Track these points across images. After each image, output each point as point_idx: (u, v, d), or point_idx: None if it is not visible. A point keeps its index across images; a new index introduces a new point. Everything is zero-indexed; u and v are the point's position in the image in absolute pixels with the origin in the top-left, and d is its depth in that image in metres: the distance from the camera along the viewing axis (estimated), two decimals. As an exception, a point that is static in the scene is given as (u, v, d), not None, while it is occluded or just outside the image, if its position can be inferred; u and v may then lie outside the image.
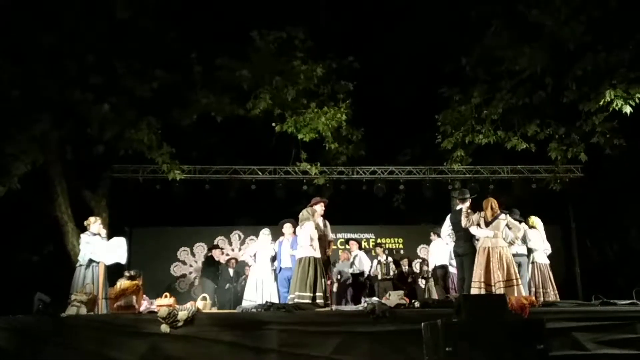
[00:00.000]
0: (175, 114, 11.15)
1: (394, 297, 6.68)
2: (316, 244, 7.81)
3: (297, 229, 8.16)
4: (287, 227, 9.00)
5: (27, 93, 9.45)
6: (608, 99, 9.52)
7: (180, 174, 11.76)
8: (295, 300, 7.40)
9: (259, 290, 8.99)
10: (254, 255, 9.45)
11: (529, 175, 13.31)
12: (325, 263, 8.24)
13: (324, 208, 8.47)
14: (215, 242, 13.49)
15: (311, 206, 8.35)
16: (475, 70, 11.39)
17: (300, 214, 8.06)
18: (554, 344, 5.74)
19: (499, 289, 7.42)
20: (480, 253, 7.81)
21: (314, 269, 7.60)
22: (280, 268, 8.96)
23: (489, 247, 7.73)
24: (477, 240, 8.05)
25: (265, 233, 9.46)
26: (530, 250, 9.01)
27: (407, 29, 13.10)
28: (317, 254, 7.76)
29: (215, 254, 11.69)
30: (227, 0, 11.63)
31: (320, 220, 8.33)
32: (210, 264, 11.57)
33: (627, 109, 9.46)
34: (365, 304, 6.55)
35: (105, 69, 9.98)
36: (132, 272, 9.18)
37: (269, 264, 9.23)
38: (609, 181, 13.53)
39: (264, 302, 7.65)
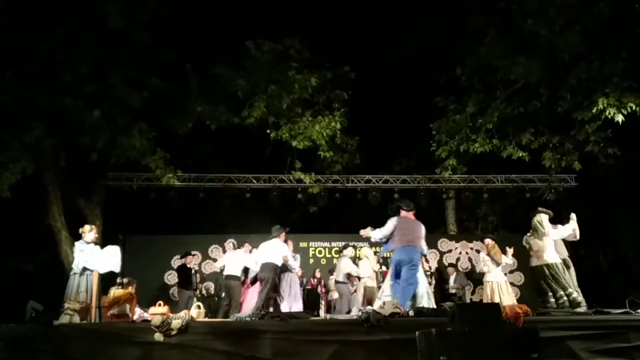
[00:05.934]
0: (170, 122, 11.16)
1: (389, 306, 6.65)
2: None
3: None
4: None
5: (21, 100, 9.42)
6: (601, 107, 9.60)
7: (173, 178, 11.73)
8: None
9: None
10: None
11: (523, 184, 13.35)
12: None
13: None
14: (209, 251, 13.49)
15: None
16: (470, 79, 11.47)
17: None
18: (548, 353, 5.73)
19: None
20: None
21: None
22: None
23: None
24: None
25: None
26: None
27: (403, 38, 13.17)
28: None
29: (188, 261, 11.51)
30: (223, 9, 11.66)
31: None
32: (183, 271, 11.39)
33: (620, 118, 9.54)
34: (360, 313, 6.53)
35: (99, 76, 9.98)
36: (124, 280, 9.15)
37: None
38: (602, 190, 13.56)
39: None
